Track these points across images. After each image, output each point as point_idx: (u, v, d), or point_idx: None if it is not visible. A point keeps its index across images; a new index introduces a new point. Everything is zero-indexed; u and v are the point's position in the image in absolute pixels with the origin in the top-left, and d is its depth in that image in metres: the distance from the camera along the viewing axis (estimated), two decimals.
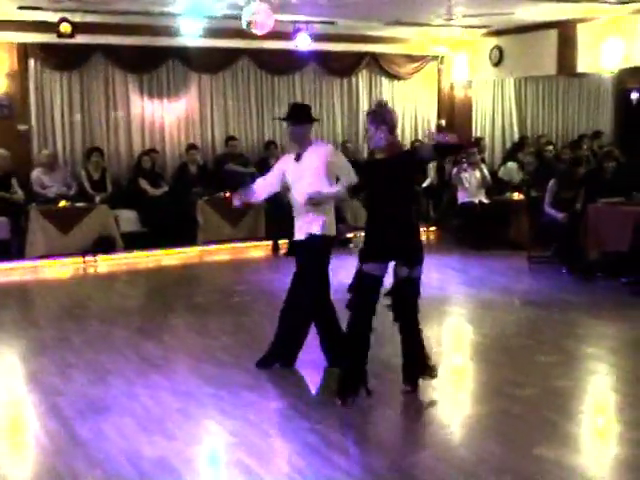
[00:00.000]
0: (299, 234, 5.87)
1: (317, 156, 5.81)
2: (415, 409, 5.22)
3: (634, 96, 11.47)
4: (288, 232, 11.06)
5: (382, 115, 5.31)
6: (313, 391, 5.68)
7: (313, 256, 5.82)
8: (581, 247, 9.30)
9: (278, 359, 5.98)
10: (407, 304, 5.35)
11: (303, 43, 12.06)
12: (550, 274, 9.50)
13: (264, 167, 12.68)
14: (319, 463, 4.35)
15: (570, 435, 4.71)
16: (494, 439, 4.64)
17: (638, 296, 8.14)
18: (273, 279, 9.63)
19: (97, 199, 11.35)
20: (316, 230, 5.76)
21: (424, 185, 13.69)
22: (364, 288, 5.24)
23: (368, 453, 4.45)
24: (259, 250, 11.84)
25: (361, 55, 13.75)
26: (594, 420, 5.15)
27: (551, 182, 9.78)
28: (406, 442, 4.62)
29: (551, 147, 11.77)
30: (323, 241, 5.79)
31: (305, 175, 5.78)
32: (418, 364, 5.42)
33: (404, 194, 5.32)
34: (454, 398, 5.52)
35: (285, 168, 5.97)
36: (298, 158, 5.86)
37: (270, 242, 11.75)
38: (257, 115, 13.27)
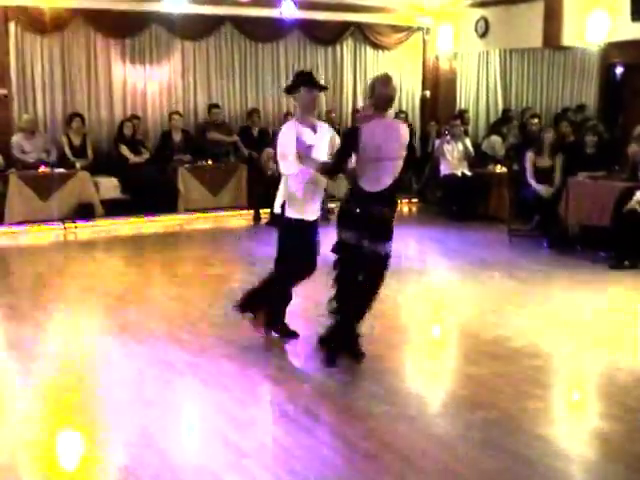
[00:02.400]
0: (314, 215, 5.74)
1: (327, 130, 5.77)
2: (392, 380, 5.23)
3: (618, 71, 11.44)
4: (270, 201, 11.23)
5: (371, 87, 5.29)
6: (293, 362, 5.67)
7: None
8: (562, 220, 9.34)
9: None
10: (379, 280, 5.38)
11: (288, 11, 11.93)
12: (530, 247, 9.54)
13: (246, 135, 12.66)
14: (297, 432, 4.36)
15: (547, 408, 4.75)
16: (472, 411, 4.66)
17: (617, 270, 8.20)
18: (254, 248, 9.61)
19: (78, 165, 11.24)
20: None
21: None
22: (346, 256, 5.27)
23: (345, 423, 4.46)
24: (240, 219, 11.79)
25: (346, 24, 13.63)
26: (570, 395, 5.19)
27: (527, 154, 9.84)
28: (383, 412, 4.62)
29: (536, 120, 11.76)
30: None
31: (321, 148, 5.66)
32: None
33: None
34: (431, 369, 5.54)
35: (300, 139, 5.59)
36: (315, 130, 5.68)
37: (252, 211, 11.71)
38: (240, 83, 13.14)
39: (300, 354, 5.75)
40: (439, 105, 14.41)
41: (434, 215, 12.09)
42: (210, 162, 12.08)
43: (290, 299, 5.95)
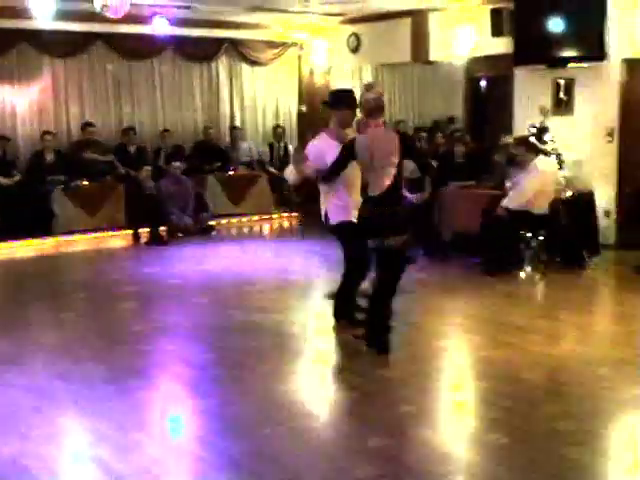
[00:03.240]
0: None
1: None
2: (278, 395, 5.26)
3: (483, 84, 11.93)
4: (149, 220, 11.13)
5: (360, 99, 5.96)
6: (173, 383, 5.65)
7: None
8: (436, 228, 9.67)
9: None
10: (397, 272, 6.00)
11: (160, 28, 11.85)
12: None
13: (122, 154, 12.49)
14: (180, 454, 4.36)
15: (424, 411, 4.90)
16: (353, 421, 4.77)
17: (488, 275, 8.55)
18: (134, 269, 9.51)
19: None
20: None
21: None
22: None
23: (224, 438, 4.47)
24: (119, 240, 11.61)
25: (220, 41, 13.66)
26: (447, 398, 5.37)
27: None
28: (269, 429, 4.64)
29: (423, 134, 12.07)
30: None
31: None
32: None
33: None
34: (315, 381, 5.63)
35: (326, 152, 6.13)
36: (343, 141, 6.12)
37: (131, 231, 11.56)
38: (114, 101, 12.97)
39: (181, 374, 5.74)
40: (315, 119, 14.60)
41: (316, 228, 12.18)
42: (86, 182, 11.85)
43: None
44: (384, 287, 5.99)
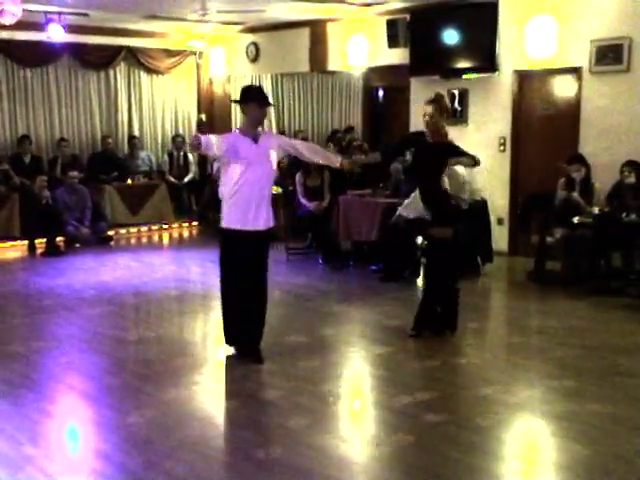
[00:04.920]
0: (258, 224, 5.96)
1: (271, 139, 6.01)
2: (171, 405, 5.25)
3: (380, 93, 12.18)
4: (45, 230, 10.88)
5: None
6: (65, 395, 5.56)
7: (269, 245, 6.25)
8: (334, 237, 9.78)
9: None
10: None
11: (56, 34, 11.64)
12: (306, 264, 9.88)
13: (18, 163, 12.18)
14: (73, 468, 4.29)
15: (320, 419, 4.97)
16: (244, 428, 4.78)
17: (386, 282, 8.70)
18: (29, 280, 9.28)
19: None
20: (272, 222, 6.09)
21: (186, 180, 13.75)
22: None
23: (122, 451, 4.43)
24: (14, 250, 11.31)
25: (118, 48, 13.51)
26: (342, 405, 5.45)
27: (297, 175, 10.28)
28: (162, 439, 4.63)
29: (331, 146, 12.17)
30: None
31: (264, 158, 5.87)
32: None
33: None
34: (212, 387, 5.63)
35: (238, 146, 5.79)
36: (256, 140, 5.86)
37: (26, 241, 11.29)
38: (9, 109, 12.65)
39: (77, 386, 5.64)
40: (215, 128, 14.60)
41: (215, 238, 12.14)
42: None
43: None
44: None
